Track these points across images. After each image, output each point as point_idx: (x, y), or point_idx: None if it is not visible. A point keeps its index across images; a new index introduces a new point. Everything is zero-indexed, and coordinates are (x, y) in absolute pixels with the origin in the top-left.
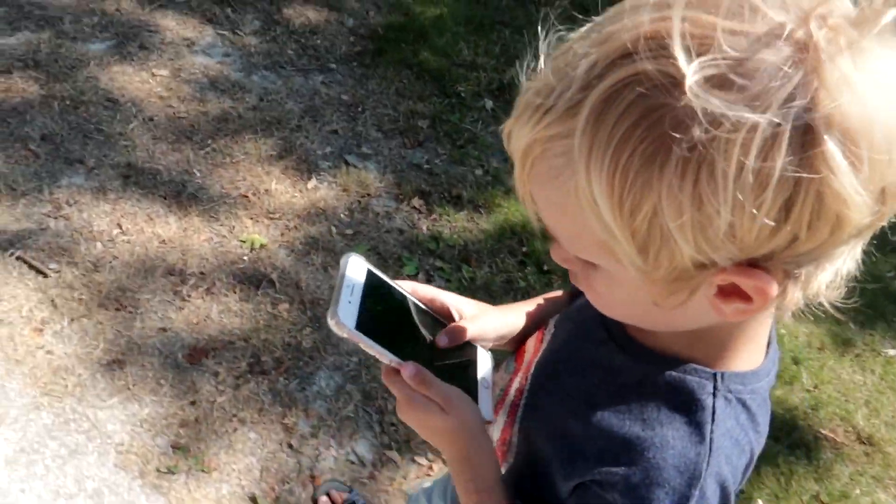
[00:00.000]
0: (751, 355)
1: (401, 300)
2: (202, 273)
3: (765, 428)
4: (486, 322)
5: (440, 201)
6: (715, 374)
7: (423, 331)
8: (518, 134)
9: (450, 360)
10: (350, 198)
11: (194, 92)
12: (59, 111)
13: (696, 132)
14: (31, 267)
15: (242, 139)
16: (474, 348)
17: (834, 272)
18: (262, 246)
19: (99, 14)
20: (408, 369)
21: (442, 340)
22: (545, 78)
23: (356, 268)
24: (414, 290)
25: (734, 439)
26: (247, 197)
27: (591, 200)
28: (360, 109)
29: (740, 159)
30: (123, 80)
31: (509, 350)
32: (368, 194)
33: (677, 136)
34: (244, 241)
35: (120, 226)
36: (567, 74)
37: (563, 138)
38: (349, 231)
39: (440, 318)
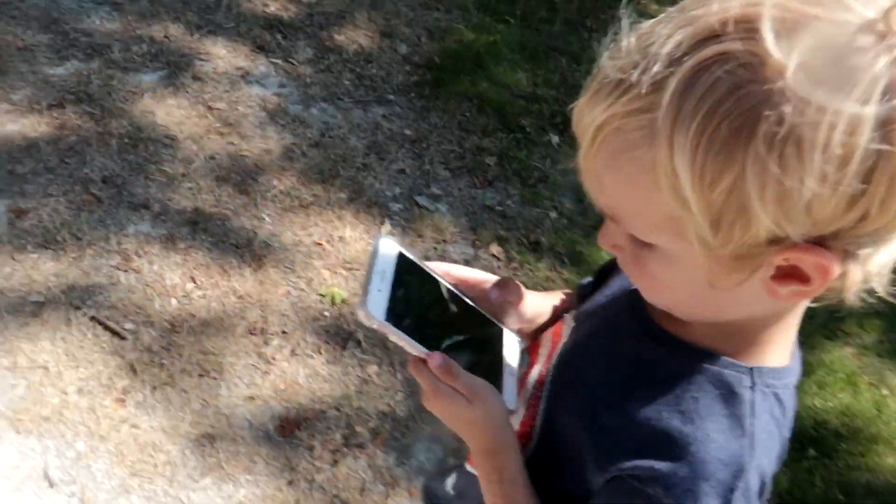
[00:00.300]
0: (780, 353)
1: (432, 284)
2: (284, 332)
3: (791, 420)
4: (526, 298)
5: (519, 248)
6: (752, 369)
7: (454, 312)
8: (592, 111)
9: (477, 342)
10: (426, 244)
11: (254, 127)
12: (118, 150)
13: (786, 109)
14: (105, 328)
15: (309, 179)
16: (501, 331)
17: (889, 256)
18: (342, 301)
19: (147, 41)
20: (434, 360)
21: (493, 294)
22: (627, 55)
23: (387, 251)
24: (446, 272)
25: (769, 432)
26: (321, 245)
27: (670, 172)
28: (424, 145)
29: (828, 134)
30: (180, 115)
31: (526, 340)
32: (444, 240)
33: (766, 111)
34: (324, 296)
35: (193, 279)
36: (651, 52)
37: (644, 112)
38: None
39: (473, 301)
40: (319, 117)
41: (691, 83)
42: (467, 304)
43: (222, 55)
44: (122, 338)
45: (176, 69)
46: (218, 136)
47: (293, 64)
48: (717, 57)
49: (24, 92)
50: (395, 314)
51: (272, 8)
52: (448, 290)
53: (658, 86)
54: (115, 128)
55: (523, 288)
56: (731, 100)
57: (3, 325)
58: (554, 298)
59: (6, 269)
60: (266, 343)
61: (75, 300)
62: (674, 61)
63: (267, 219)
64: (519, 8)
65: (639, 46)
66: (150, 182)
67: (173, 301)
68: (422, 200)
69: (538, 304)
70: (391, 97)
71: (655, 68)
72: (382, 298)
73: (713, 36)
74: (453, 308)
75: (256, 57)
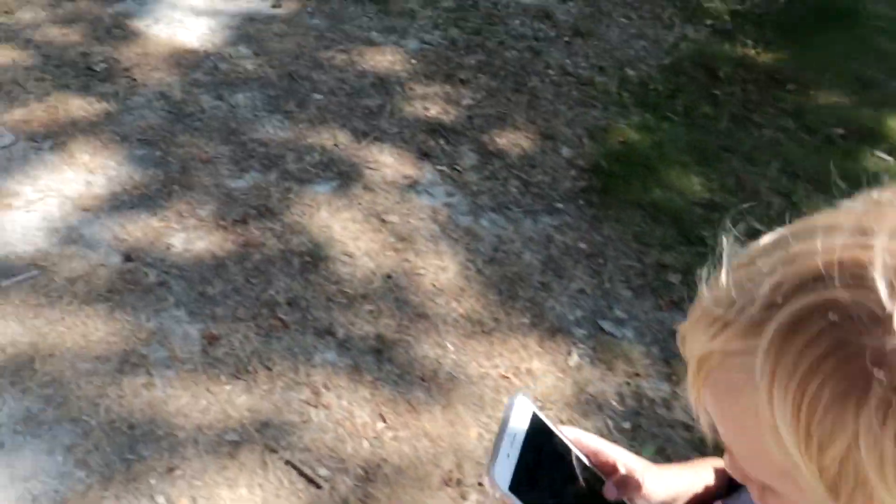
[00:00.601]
0: None
1: (563, 452)
2: (481, 484)
3: None
4: (656, 481)
5: None
6: None
7: (582, 487)
8: (694, 340)
9: None
10: (617, 378)
11: (427, 241)
12: (300, 269)
13: None
14: (301, 474)
15: (488, 301)
16: None
17: None
18: None
19: (318, 150)
20: None
21: (611, 492)
22: (725, 289)
23: (521, 413)
24: (577, 440)
25: None
26: (508, 378)
27: (772, 427)
28: (601, 261)
29: None
30: (355, 229)
31: None
32: (637, 374)
33: (877, 374)
34: None
35: (383, 417)
36: (749, 290)
37: (744, 355)
38: (626, 425)
39: (602, 474)
40: (490, 229)
41: (791, 333)
42: (599, 478)
43: (389, 163)
44: (318, 486)
45: (347, 179)
46: (393, 252)
47: (458, 171)
48: (820, 305)
49: (210, 207)
50: (522, 484)
51: (432, 111)
52: (579, 461)
53: (756, 330)
54: (295, 245)
55: (650, 471)
56: (835, 358)
57: (202, 467)
58: (702, 471)
59: (203, 401)
60: (463, 497)
61: (270, 440)
62: (773, 304)
63: (450, 346)
64: (680, 103)
65: (736, 280)
66: (332, 304)
67: (365, 443)
68: (606, 325)
69: (677, 483)
70: (560, 205)
71: (753, 310)
72: (510, 465)
73: (817, 279)
74: (583, 483)
75: (422, 164)
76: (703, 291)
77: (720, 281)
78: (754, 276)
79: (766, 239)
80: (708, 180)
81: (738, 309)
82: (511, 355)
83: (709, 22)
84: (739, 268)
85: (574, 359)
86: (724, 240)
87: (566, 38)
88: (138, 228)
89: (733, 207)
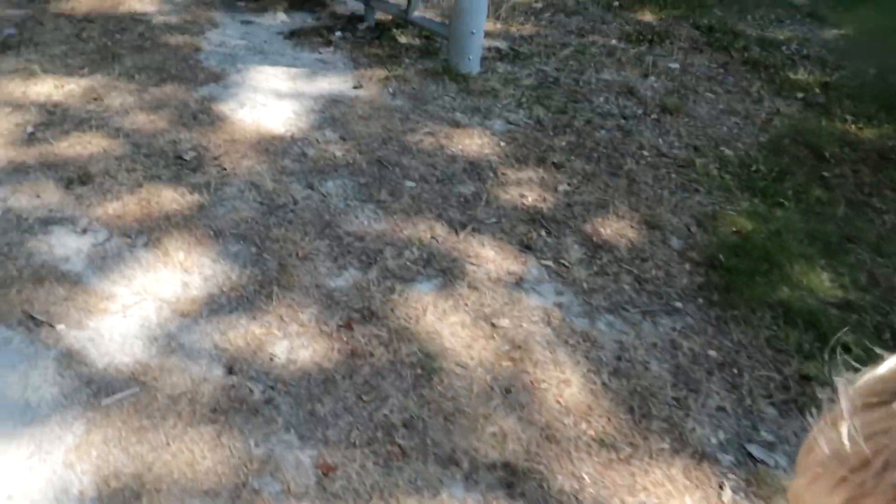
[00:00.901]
0: None
1: None
2: None
3: None
4: None
5: None
6: None
7: None
8: (814, 501)
9: None
10: None
11: (543, 349)
12: (412, 384)
13: None
14: None
15: (620, 422)
16: None
17: None
18: None
19: (416, 244)
20: None
21: None
22: (850, 442)
23: None
24: None
25: None
26: None
27: None
28: (735, 371)
29: None
30: (466, 335)
31: None
32: None
33: None
34: None
35: None
36: (886, 445)
37: None
38: None
39: None
40: (609, 334)
41: None
42: None
43: (491, 258)
44: None
45: (450, 276)
46: (509, 362)
47: (565, 266)
48: None
49: (311, 310)
50: None
51: (529, 199)
52: None
53: None
54: (405, 354)
55: None
56: None
57: None
58: None
59: None
60: None
61: None
62: None
63: (586, 478)
64: (788, 187)
65: (865, 430)
66: (451, 426)
67: None
68: (755, 450)
69: None
70: (679, 304)
71: (894, 477)
72: None
73: None
74: None
75: (526, 258)
76: (819, 441)
77: (842, 428)
78: (890, 425)
79: (888, 370)
80: (837, 275)
81: (876, 471)
82: (656, 489)
83: (799, 95)
84: (864, 411)
85: (727, 493)
86: (831, 371)
87: (654, 116)
88: (239, 336)
89: (864, 312)
